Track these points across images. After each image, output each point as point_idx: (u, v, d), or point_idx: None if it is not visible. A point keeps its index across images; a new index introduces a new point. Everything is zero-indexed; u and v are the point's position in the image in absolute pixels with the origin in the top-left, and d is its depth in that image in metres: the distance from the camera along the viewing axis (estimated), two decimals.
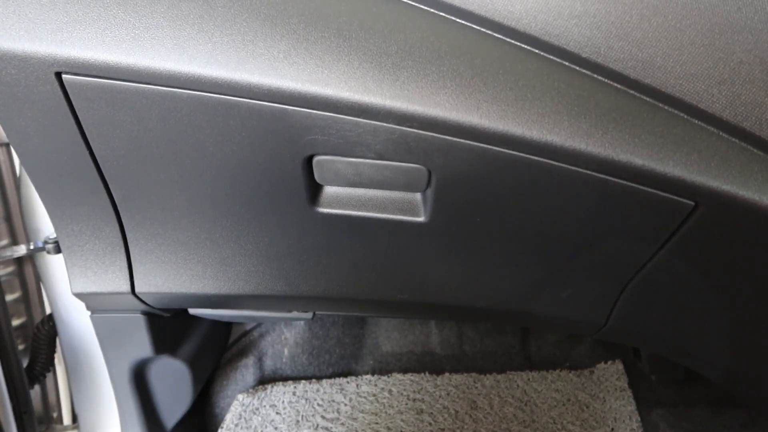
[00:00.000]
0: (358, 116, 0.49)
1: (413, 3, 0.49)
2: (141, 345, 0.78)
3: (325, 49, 0.48)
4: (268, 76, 0.48)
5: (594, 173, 0.48)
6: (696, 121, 0.46)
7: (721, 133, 0.45)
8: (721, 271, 0.55)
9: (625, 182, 0.48)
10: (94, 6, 0.48)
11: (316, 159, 0.54)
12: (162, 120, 0.52)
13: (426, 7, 0.49)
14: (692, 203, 0.47)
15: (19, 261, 0.86)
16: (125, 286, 0.67)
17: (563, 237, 0.56)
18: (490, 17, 0.47)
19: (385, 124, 0.49)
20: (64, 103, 0.52)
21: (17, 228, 0.83)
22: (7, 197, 0.82)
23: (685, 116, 0.46)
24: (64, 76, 0.50)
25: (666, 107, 0.46)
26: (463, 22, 0.49)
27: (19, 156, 0.57)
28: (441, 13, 0.49)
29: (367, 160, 0.53)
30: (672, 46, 0.44)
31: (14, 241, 0.83)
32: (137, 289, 0.67)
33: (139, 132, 0.53)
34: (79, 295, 0.68)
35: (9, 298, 0.86)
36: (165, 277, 0.67)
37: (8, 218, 0.82)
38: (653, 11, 0.43)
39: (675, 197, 0.47)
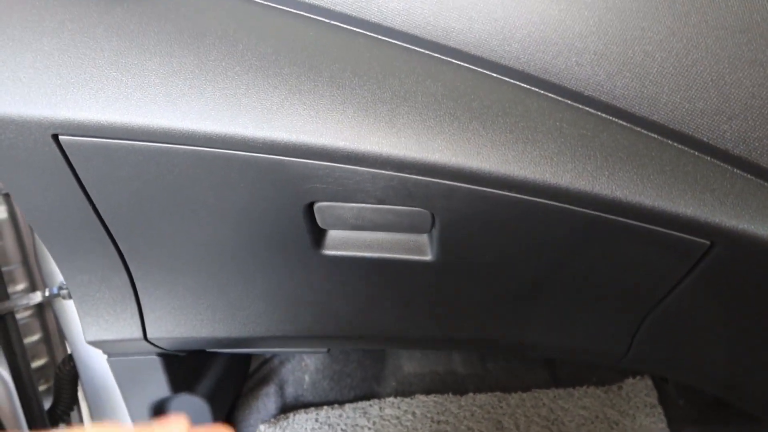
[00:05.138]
0: (355, 165, 0.48)
1: (407, 45, 0.48)
2: (159, 385, 0.79)
3: (318, 98, 0.47)
4: (262, 129, 0.47)
5: (603, 214, 0.46)
6: (708, 158, 0.44)
7: (735, 170, 0.43)
8: (743, 304, 0.52)
9: (636, 223, 0.45)
10: (86, 67, 0.48)
11: (317, 205, 0.53)
12: (160, 175, 0.52)
13: (420, 49, 0.48)
14: (708, 242, 0.45)
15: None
16: (137, 333, 0.67)
17: (577, 276, 0.54)
18: (487, 57, 0.46)
19: (383, 171, 0.48)
20: (64, 163, 0.52)
21: (35, 271, 0.84)
22: (23, 241, 0.83)
23: (697, 153, 0.44)
24: (61, 137, 0.50)
25: (675, 144, 0.44)
26: (459, 62, 0.47)
27: (25, 213, 0.58)
28: (436, 55, 0.48)
29: (369, 205, 0.52)
30: (678, 82, 0.42)
31: (32, 284, 0.84)
32: (149, 335, 0.67)
33: (138, 187, 0.53)
34: (93, 343, 0.69)
35: (30, 339, 0.87)
36: (176, 323, 0.66)
37: (25, 262, 0.84)
38: (656, 46, 0.41)
39: (689, 237, 0.45)
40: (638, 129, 0.45)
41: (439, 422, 1.09)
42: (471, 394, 1.13)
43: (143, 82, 0.48)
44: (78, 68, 0.48)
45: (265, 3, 0.49)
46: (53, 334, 0.89)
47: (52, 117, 0.48)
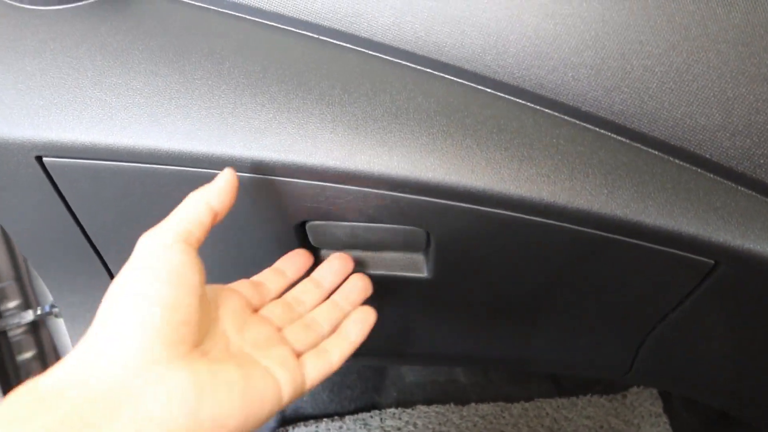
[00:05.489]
0: (347, 184, 0.46)
1: (398, 60, 0.47)
2: None
3: (308, 116, 0.45)
4: (250, 148, 0.46)
5: (603, 233, 0.44)
6: (711, 175, 0.42)
7: (739, 188, 0.41)
8: (748, 321, 0.51)
9: (637, 242, 0.44)
10: (69, 87, 0.47)
11: (309, 224, 0.52)
12: (146, 195, 0.50)
13: (412, 65, 0.46)
14: (712, 262, 0.43)
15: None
16: None
17: (577, 294, 0.52)
18: (481, 72, 0.44)
19: (375, 191, 0.46)
20: (49, 185, 0.50)
21: (28, 288, 0.83)
22: (16, 257, 0.82)
23: (699, 170, 0.42)
24: (44, 158, 0.49)
25: (677, 161, 0.42)
26: (452, 78, 0.46)
27: (11, 235, 0.57)
28: (428, 70, 0.46)
29: (362, 224, 0.51)
30: (679, 97, 0.40)
31: (25, 302, 0.83)
32: None
33: (125, 207, 0.52)
34: None
35: (24, 356, 0.85)
36: None
37: (18, 278, 0.82)
38: (656, 60, 0.40)
39: (693, 256, 0.43)
40: (638, 145, 0.43)
41: None
42: (473, 404, 1.11)
43: (127, 102, 0.46)
44: (60, 88, 0.47)
45: (252, 19, 0.48)
46: (48, 351, 0.88)
47: (34, 139, 0.47)
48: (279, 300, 0.47)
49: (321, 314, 0.47)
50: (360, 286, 0.50)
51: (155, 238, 0.38)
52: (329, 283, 0.49)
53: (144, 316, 0.34)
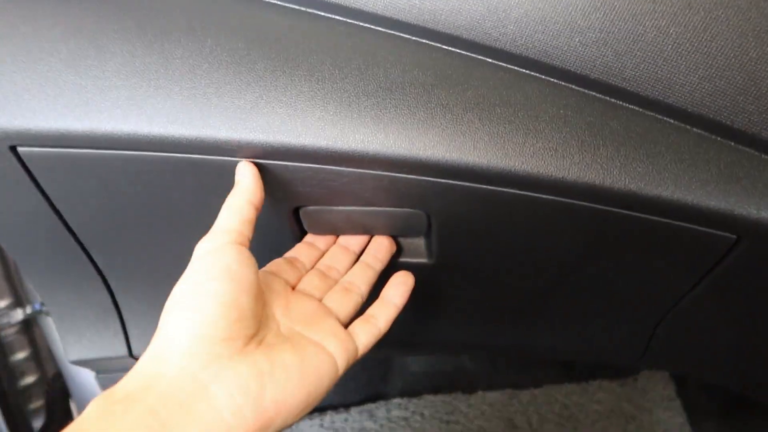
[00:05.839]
0: (340, 165, 0.43)
1: (391, 32, 0.43)
2: None
3: (296, 95, 0.42)
4: (236, 130, 0.43)
5: (616, 209, 0.41)
6: (732, 144, 0.39)
7: (763, 156, 0.38)
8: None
9: (653, 218, 0.41)
10: (42, 72, 0.44)
11: (302, 210, 0.49)
12: (129, 184, 0.48)
13: (406, 35, 0.43)
14: (734, 237, 0.41)
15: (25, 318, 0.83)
16: (122, 350, 0.63)
17: (590, 277, 0.49)
18: (481, 41, 0.41)
19: (371, 171, 0.43)
20: (25, 176, 0.48)
21: (18, 285, 0.80)
22: (5, 255, 0.80)
23: (719, 138, 0.39)
24: (19, 148, 0.46)
25: (695, 129, 0.39)
26: (450, 48, 0.43)
27: None
28: (424, 41, 0.43)
29: (358, 208, 0.48)
30: (696, 60, 0.37)
31: (16, 300, 0.80)
32: (135, 352, 0.64)
33: (108, 198, 0.49)
34: (77, 362, 0.65)
35: (18, 356, 0.83)
36: None
37: (8, 276, 0.80)
38: (670, 20, 0.36)
39: (713, 231, 0.41)
40: (652, 114, 0.40)
41: (448, 422, 1.06)
42: (481, 392, 1.09)
43: (104, 86, 0.43)
44: (33, 73, 0.44)
45: None
46: (42, 349, 0.86)
47: (6, 127, 0.44)
48: (313, 270, 0.49)
49: (356, 276, 0.48)
50: (385, 244, 0.51)
51: (208, 242, 0.40)
52: (355, 246, 0.51)
53: (200, 316, 0.35)
